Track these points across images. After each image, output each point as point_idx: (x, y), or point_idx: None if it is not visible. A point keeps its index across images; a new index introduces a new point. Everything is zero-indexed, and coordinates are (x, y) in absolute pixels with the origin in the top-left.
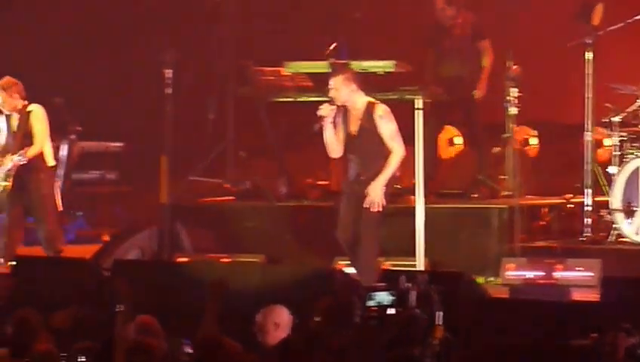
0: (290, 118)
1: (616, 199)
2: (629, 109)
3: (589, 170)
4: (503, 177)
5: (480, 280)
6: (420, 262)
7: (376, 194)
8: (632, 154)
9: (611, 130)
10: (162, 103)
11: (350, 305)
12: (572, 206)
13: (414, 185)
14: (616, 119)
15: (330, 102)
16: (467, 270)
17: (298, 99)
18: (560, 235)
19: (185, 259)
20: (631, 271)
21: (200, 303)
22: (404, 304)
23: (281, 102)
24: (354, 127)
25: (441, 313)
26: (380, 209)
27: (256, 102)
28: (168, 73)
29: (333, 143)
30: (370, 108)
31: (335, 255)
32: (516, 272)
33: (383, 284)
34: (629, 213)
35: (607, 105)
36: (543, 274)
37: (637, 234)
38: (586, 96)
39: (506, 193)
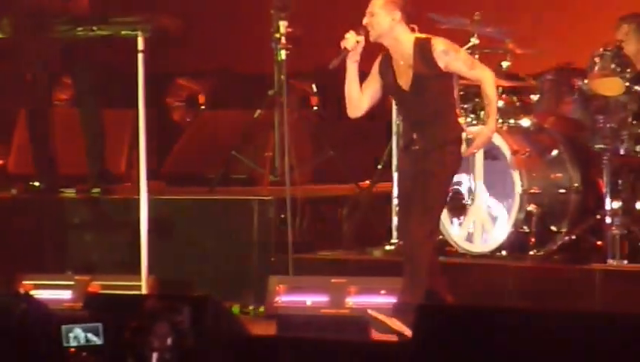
0: None
1: None
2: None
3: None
4: (268, 154)
5: (235, 309)
6: (144, 282)
7: (482, 140)
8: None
9: None
10: None
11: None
12: (372, 198)
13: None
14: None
15: (357, 30)
16: (216, 294)
17: None
18: (355, 243)
19: None
20: (459, 295)
21: None
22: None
23: None
24: (404, 79)
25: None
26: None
27: None
28: None
29: (356, 96)
30: (424, 47)
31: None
32: (289, 297)
33: (85, 312)
34: (456, 209)
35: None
36: (329, 299)
37: (469, 241)
38: None
39: (273, 178)
